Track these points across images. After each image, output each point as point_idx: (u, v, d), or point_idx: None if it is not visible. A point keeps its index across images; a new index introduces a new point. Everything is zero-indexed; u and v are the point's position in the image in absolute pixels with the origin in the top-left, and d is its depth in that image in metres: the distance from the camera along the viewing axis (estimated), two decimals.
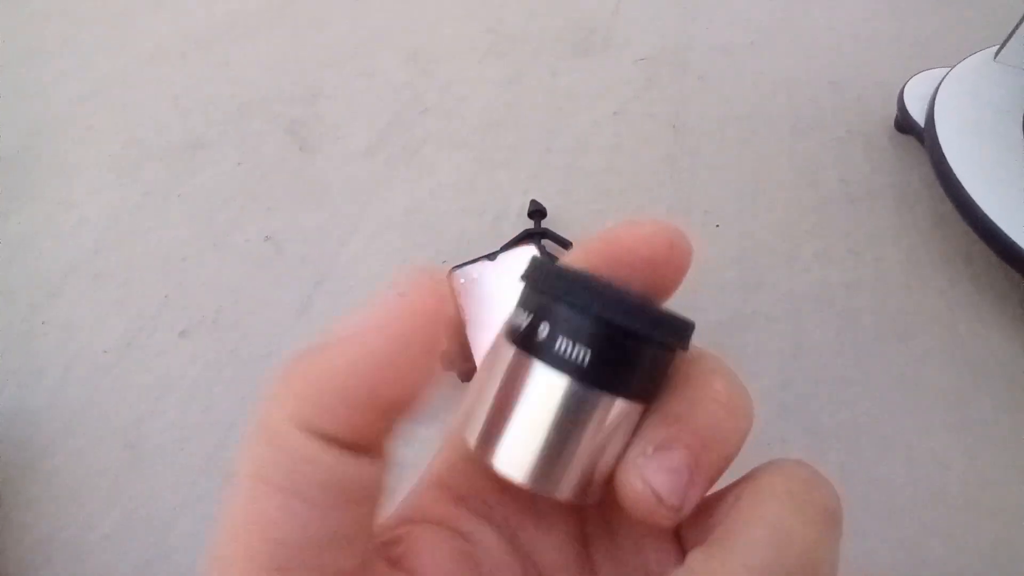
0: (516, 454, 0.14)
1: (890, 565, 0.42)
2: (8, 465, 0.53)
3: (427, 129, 0.71)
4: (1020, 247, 0.48)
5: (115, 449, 0.52)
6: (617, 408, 0.14)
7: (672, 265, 0.15)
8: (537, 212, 0.57)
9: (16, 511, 0.51)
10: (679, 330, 0.14)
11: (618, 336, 0.13)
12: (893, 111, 0.66)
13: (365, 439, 0.12)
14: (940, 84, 0.62)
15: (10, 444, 0.55)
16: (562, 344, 0.13)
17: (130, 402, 0.55)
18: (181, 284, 0.63)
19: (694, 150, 0.64)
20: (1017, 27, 0.62)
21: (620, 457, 0.14)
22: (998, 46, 0.63)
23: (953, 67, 0.64)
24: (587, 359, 0.13)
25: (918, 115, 0.62)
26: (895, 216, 0.58)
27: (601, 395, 0.14)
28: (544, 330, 0.14)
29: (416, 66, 0.79)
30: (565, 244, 0.56)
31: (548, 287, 0.14)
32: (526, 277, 0.15)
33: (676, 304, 0.47)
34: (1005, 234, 0.49)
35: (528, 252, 0.52)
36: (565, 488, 0.14)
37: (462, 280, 0.52)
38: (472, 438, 0.15)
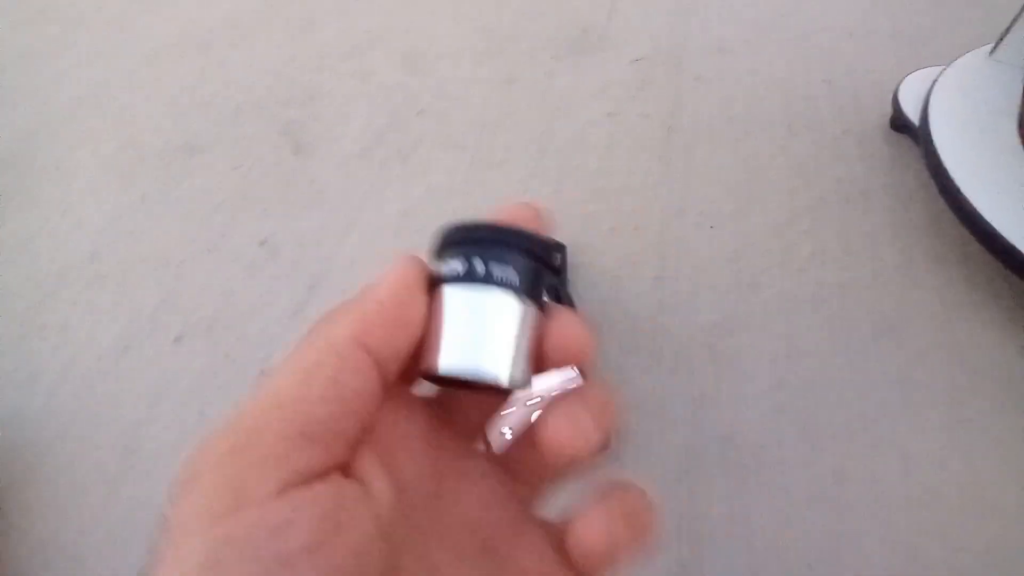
0: (463, 355, 0.18)
1: (887, 566, 0.42)
2: (6, 469, 0.53)
3: (422, 130, 0.71)
4: (1015, 247, 0.48)
5: (113, 453, 0.53)
6: (524, 308, 0.18)
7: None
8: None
9: (15, 515, 0.51)
10: (552, 248, 0.19)
11: (519, 256, 0.19)
12: (888, 110, 0.66)
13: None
14: (935, 83, 0.62)
15: (8, 448, 0.55)
16: (484, 268, 0.18)
17: (127, 406, 0.55)
18: (176, 288, 0.63)
19: (689, 150, 0.64)
20: (1012, 24, 0.62)
21: (532, 349, 0.19)
22: (993, 44, 0.63)
23: (948, 65, 0.64)
24: (502, 275, 0.18)
25: (913, 114, 0.62)
26: (890, 215, 0.58)
27: (519, 299, 0.18)
28: (466, 265, 0.18)
29: (411, 67, 0.79)
30: (559, 247, 0.56)
31: (465, 234, 0.19)
32: (447, 239, 0.20)
33: (676, 305, 0.47)
34: (1000, 234, 0.49)
35: None
36: (506, 374, 0.18)
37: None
38: (430, 363, 0.18)
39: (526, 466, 0.20)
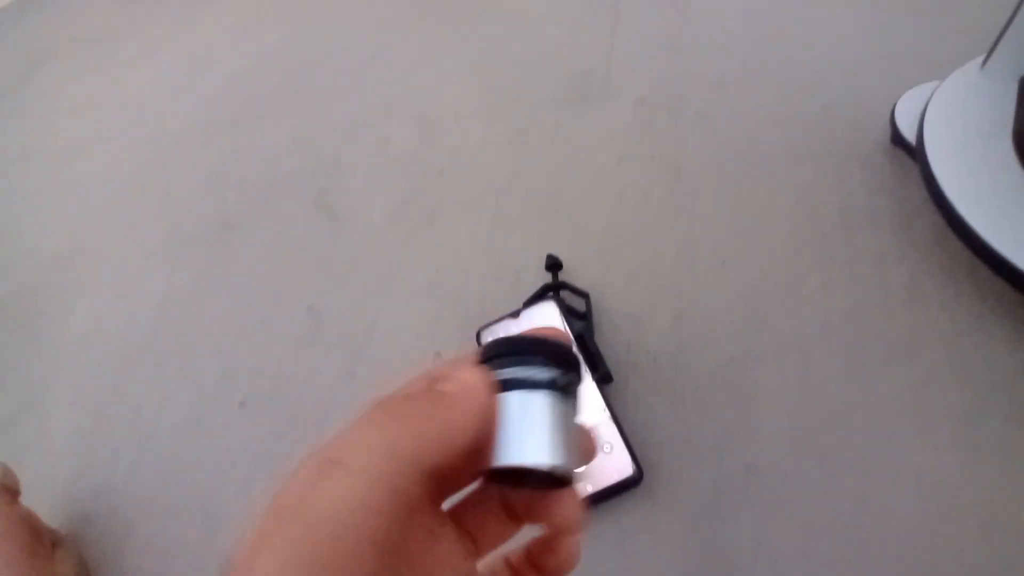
0: (515, 451, 0.22)
1: None
2: (97, 543, 0.59)
3: (442, 194, 0.76)
4: (1012, 263, 0.50)
5: (193, 520, 0.58)
6: (562, 402, 0.23)
7: None
8: (554, 265, 0.61)
9: None
10: (571, 356, 0.24)
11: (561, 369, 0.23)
12: (888, 129, 0.68)
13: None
14: (929, 99, 0.64)
15: (97, 523, 0.61)
16: (538, 374, 0.23)
17: (203, 473, 0.61)
18: (234, 361, 0.68)
19: (696, 190, 0.68)
20: (1001, 36, 0.63)
21: (576, 438, 0.23)
22: (984, 57, 0.65)
23: (942, 81, 0.66)
24: (555, 380, 0.23)
25: (909, 132, 0.65)
26: (895, 236, 0.60)
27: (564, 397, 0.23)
28: (518, 372, 0.23)
29: (425, 132, 0.84)
30: (581, 294, 0.60)
31: (507, 348, 0.24)
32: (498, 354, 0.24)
33: (694, 343, 0.51)
34: (996, 250, 0.51)
35: (549, 307, 0.57)
36: (552, 461, 0.22)
37: (490, 339, 0.56)
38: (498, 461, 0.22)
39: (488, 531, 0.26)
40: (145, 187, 0.95)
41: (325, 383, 0.64)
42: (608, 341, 0.58)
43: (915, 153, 0.63)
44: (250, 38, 1.13)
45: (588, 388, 0.52)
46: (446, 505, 0.26)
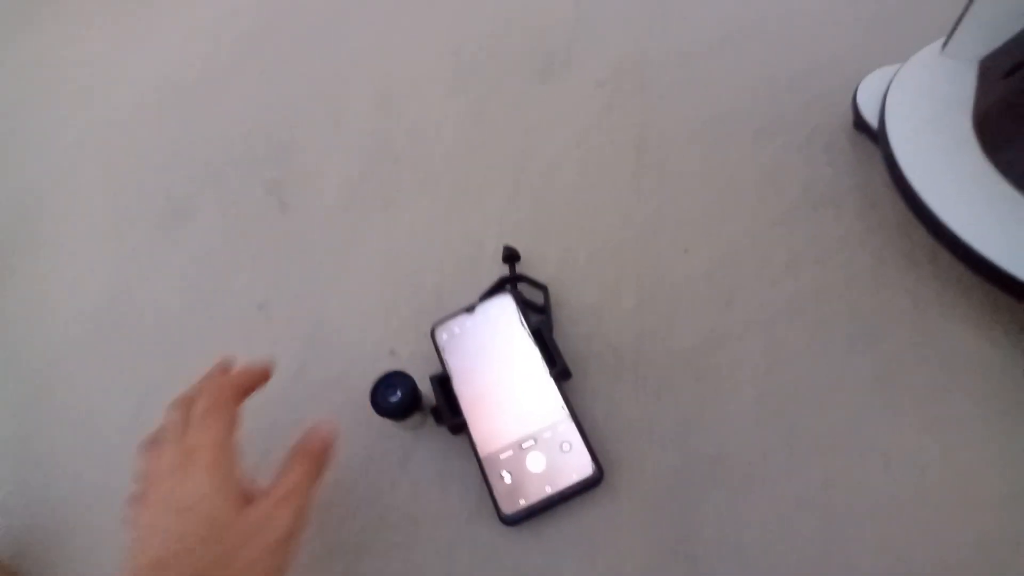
0: None
1: (879, 569, 0.44)
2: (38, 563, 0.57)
3: (398, 176, 0.73)
4: (970, 246, 0.49)
5: None
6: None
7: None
8: (511, 256, 0.59)
9: None
10: None
11: None
12: (851, 111, 0.67)
13: None
14: (891, 82, 0.63)
15: (37, 541, 0.58)
16: None
17: None
18: (181, 359, 0.65)
19: (659, 170, 0.66)
20: (962, 17, 0.62)
21: None
22: (945, 38, 0.64)
23: (904, 63, 0.65)
24: None
25: (872, 115, 0.64)
26: (860, 218, 0.60)
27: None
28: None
29: (383, 110, 0.80)
30: (539, 286, 0.58)
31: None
32: None
33: (656, 330, 0.49)
34: (956, 234, 0.50)
35: (505, 301, 0.55)
36: None
37: (444, 336, 0.54)
38: None
39: None
40: (89, 167, 0.90)
41: (276, 381, 0.61)
42: (567, 334, 0.56)
43: (877, 137, 0.62)
44: (204, 8, 1.06)
45: (546, 386, 0.50)
46: None
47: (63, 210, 0.85)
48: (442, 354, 0.53)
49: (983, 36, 0.60)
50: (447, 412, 0.51)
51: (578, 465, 0.47)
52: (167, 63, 1.00)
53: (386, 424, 0.52)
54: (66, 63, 1.08)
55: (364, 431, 0.55)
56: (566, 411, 0.49)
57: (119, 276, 0.75)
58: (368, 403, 0.50)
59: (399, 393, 0.49)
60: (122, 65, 1.03)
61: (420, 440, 0.55)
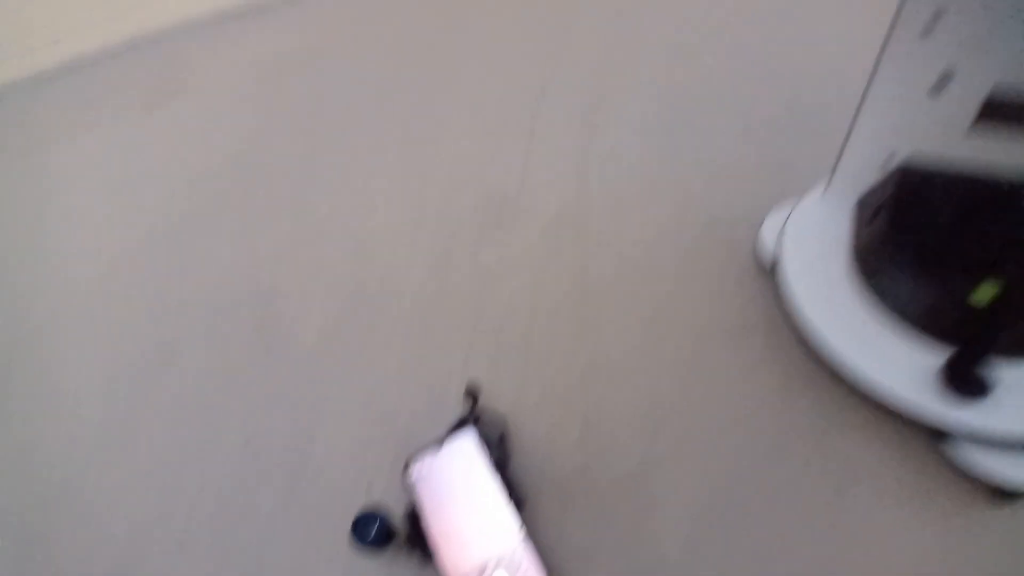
0: None
1: None
2: None
3: (372, 319, 0.82)
4: (853, 372, 0.59)
5: None
6: None
7: None
8: (471, 393, 0.68)
9: None
10: None
11: None
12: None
13: None
14: (787, 220, 0.75)
15: None
16: None
17: None
18: (170, 498, 0.71)
19: (600, 307, 0.76)
20: (837, 163, 0.75)
21: None
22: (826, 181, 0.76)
23: (797, 203, 0.77)
24: None
25: (771, 253, 0.75)
26: (767, 347, 0.70)
27: None
28: None
29: (357, 258, 0.91)
30: (497, 423, 0.66)
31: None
32: None
33: (599, 457, 0.59)
34: (842, 361, 0.61)
35: (467, 440, 0.63)
36: None
37: (415, 473, 0.62)
38: None
39: None
40: (84, 306, 0.96)
41: (261, 517, 0.68)
42: (522, 464, 0.65)
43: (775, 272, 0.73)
44: (192, 154, 1.17)
45: (505, 513, 0.58)
46: None
47: (57, 352, 0.92)
48: (413, 490, 0.61)
49: (853, 184, 0.73)
50: (419, 545, 0.58)
51: None
52: (154, 212, 1.08)
53: (364, 554, 0.59)
54: (54, 211, 1.17)
55: (343, 561, 0.62)
56: (523, 536, 0.57)
57: (110, 417, 0.81)
58: (348, 536, 0.57)
59: (376, 529, 0.57)
60: (109, 215, 1.11)
61: (395, 569, 0.61)
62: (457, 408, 0.69)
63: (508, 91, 1.08)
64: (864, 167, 0.71)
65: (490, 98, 1.08)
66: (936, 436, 0.60)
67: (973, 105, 0.58)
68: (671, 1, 1.18)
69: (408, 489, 0.62)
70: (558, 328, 0.75)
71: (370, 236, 0.93)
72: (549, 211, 0.88)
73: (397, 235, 0.91)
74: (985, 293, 0.60)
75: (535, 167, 0.95)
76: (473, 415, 0.67)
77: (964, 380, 0.59)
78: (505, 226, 0.88)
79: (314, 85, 1.21)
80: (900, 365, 0.61)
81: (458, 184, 0.96)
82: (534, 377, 0.72)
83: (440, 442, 0.64)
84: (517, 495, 0.59)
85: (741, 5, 1.13)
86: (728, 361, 0.69)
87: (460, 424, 0.66)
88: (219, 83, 1.28)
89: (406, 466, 0.63)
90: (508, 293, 0.80)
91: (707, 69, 1.03)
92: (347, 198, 1.00)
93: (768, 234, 0.77)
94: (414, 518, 0.60)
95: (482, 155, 0.99)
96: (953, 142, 0.62)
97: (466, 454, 0.62)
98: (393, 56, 1.24)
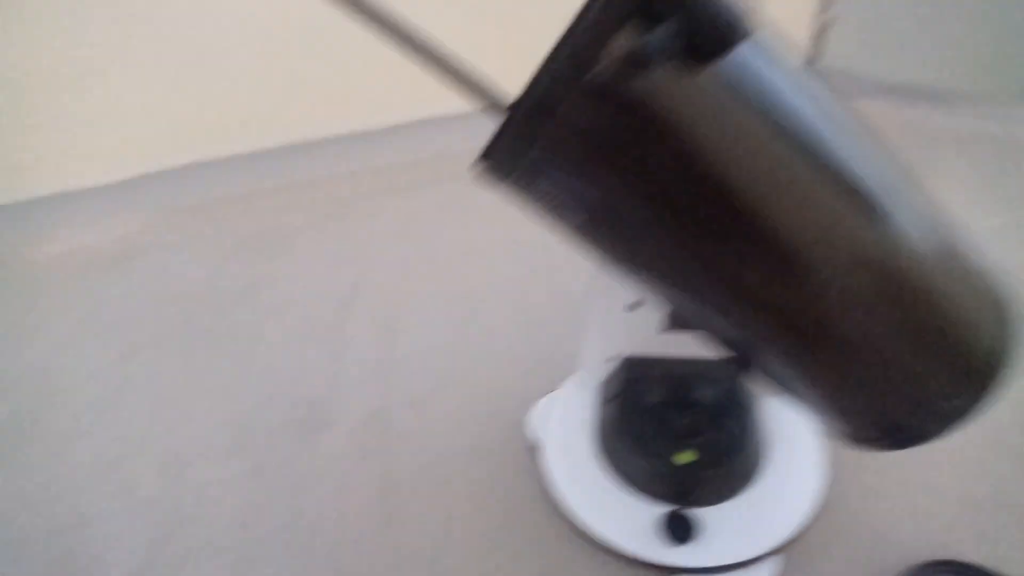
0: None
1: None
2: None
3: (186, 542, 0.84)
4: (600, 538, 0.76)
5: None
6: None
7: None
8: None
9: None
10: None
11: None
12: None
13: None
14: (545, 407, 0.93)
15: None
16: None
17: None
18: None
19: (402, 506, 0.86)
20: (579, 357, 0.96)
21: None
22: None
23: (555, 391, 0.96)
24: None
25: (536, 434, 0.92)
26: (548, 527, 0.82)
27: None
28: None
29: (169, 474, 0.93)
30: None
31: None
32: None
33: None
34: (588, 527, 0.77)
35: None
36: None
37: None
38: None
39: None
40: None
41: None
42: None
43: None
44: None
45: None
46: None
47: None
48: None
49: (592, 375, 0.93)
50: None
51: None
52: None
53: None
54: None
55: None
56: None
57: None
58: None
59: None
60: None
61: None
62: None
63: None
64: (598, 359, 0.92)
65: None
66: (667, 572, 0.77)
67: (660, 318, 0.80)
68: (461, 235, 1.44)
69: None
70: (365, 534, 0.83)
71: (183, 452, 0.95)
72: (356, 413, 0.98)
73: (210, 450, 0.94)
74: (685, 457, 0.82)
75: (345, 370, 1.06)
76: None
77: (677, 527, 0.77)
78: (315, 432, 0.96)
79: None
80: (630, 520, 0.78)
81: (267, 391, 1.03)
82: None
83: None
84: None
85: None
86: (515, 546, 0.80)
87: None
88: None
89: None
90: (316, 501, 0.87)
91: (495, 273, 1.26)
92: (153, 417, 1.02)
93: (534, 419, 0.95)
94: None
95: (295, 362, 1.07)
96: (653, 342, 0.84)
97: None
98: (213, 257, 1.33)
